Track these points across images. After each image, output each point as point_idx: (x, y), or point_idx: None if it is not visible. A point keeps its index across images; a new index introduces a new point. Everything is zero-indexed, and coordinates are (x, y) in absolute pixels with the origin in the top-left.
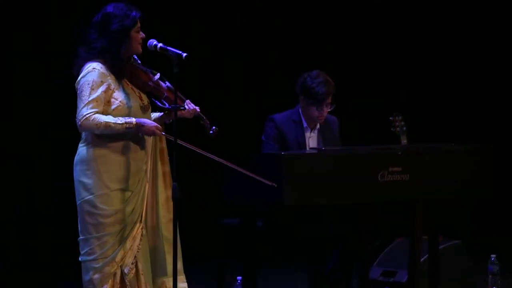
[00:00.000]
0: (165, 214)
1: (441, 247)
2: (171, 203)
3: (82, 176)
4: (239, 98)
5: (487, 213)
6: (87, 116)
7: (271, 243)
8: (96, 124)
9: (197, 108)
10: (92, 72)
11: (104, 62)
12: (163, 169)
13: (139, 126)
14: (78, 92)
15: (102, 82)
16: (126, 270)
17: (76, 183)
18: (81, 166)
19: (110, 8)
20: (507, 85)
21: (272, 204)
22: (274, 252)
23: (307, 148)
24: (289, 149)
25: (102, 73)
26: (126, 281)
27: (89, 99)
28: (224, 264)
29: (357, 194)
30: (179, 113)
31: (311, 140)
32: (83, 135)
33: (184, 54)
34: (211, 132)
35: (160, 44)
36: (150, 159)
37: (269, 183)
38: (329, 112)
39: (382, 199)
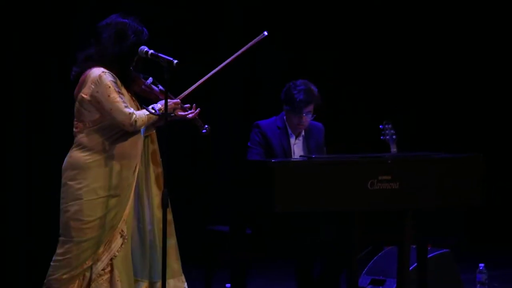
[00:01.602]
0: (160, 217)
1: (429, 256)
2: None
3: (72, 180)
4: (231, 104)
5: (476, 222)
6: (134, 114)
7: (260, 250)
8: (142, 120)
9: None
10: (104, 75)
11: (107, 68)
12: (156, 171)
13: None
14: (102, 97)
15: (117, 83)
16: (95, 274)
17: (64, 186)
18: (72, 170)
19: (124, 18)
20: (498, 94)
21: (262, 211)
22: (263, 259)
23: (292, 155)
24: (274, 154)
25: (112, 75)
26: (93, 284)
27: (122, 99)
28: (212, 271)
29: (346, 202)
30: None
31: (296, 147)
32: (78, 139)
33: (175, 61)
34: (203, 131)
35: (151, 51)
36: (142, 162)
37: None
38: (314, 120)
39: (371, 207)
